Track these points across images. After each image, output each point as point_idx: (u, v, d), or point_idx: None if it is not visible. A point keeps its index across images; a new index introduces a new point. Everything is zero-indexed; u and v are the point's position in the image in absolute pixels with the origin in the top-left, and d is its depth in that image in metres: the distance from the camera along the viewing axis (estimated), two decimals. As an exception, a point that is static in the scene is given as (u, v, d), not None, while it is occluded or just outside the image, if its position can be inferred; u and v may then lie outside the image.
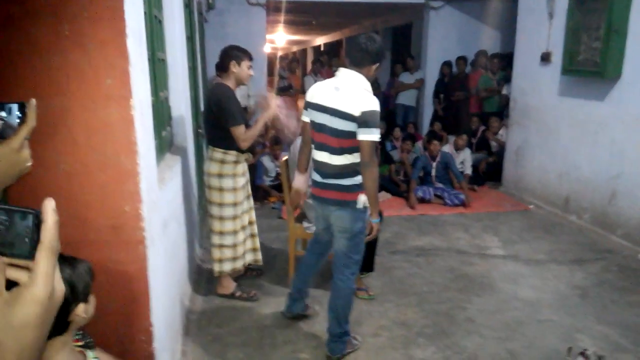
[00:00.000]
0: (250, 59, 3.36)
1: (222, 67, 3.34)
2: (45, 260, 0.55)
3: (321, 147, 2.72)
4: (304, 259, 3.20)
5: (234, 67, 3.28)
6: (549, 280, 3.94)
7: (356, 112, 2.52)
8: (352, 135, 2.58)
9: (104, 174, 1.87)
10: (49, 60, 1.76)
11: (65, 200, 1.85)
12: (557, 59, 5.50)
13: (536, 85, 5.93)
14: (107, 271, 1.95)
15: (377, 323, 3.29)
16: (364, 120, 2.52)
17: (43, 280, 0.54)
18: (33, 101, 0.87)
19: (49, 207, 0.57)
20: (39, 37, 1.74)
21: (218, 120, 3.23)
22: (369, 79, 2.66)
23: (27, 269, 0.55)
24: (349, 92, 2.59)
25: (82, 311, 1.31)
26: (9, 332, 0.53)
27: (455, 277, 3.99)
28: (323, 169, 2.74)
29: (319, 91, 2.73)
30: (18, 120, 0.88)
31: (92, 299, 1.37)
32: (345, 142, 2.62)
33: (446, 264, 4.24)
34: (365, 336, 3.13)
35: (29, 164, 0.93)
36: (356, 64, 2.65)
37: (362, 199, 2.68)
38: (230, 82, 3.30)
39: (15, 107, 0.87)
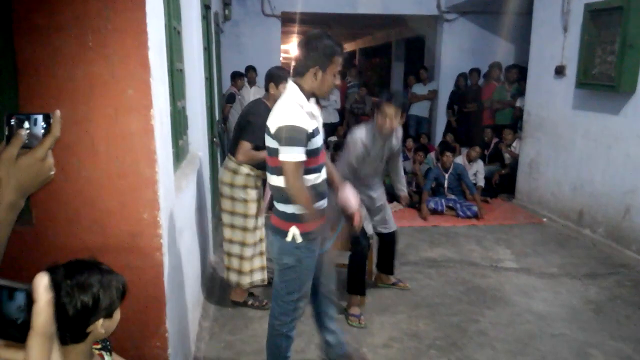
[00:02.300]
0: (287, 79, 3.32)
1: (265, 86, 3.41)
2: (37, 348, 0.48)
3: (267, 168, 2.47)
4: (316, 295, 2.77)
5: (272, 89, 3.33)
6: (562, 294, 3.91)
7: (272, 128, 2.24)
8: (275, 153, 2.27)
9: (123, 181, 1.91)
10: (73, 70, 1.82)
11: (86, 206, 1.90)
12: (571, 72, 5.49)
13: (550, 98, 5.92)
14: (125, 277, 1.98)
15: (388, 334, 3.29)
16: (281, 137, 2.20)
17: None
18: (58, 112, 0.90)
19: (41, 286, 0.49)
20: (63, 48, 1.80)
21: (240, 132, 3.33)
22: (316, 89, 2.31)
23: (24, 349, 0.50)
24: (276, 106, 2.32)
25: (101, 326, 1.30)
26: None
27: (468, 289, 3.97)
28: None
29: None
30: (43, 131, 0.91)
31: (116, 316, 1.35)
32: (272, 161, 2.33)
33: (458, 276, 4.23)
34: (376, 347, 3.13)
35: (52, 172, 0.95)
36: (297, 72, 2.31)
37: (292, 232, 2.31)
38: (269, 102, 3.31)
39: (40, 117, 0.90)
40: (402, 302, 3.71)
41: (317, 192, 2.37)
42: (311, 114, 2.30)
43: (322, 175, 2.41)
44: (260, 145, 3.26)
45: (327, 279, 2.68)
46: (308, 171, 2.30)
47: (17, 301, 0.49)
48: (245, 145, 3.27)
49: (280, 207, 2.36)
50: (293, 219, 2.33)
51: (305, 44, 2.27)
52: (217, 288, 3.87)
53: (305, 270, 2.42)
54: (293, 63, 2.32)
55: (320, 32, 2.31)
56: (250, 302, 3.58)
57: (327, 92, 2.40)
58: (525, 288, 4.00)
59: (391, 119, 3.23)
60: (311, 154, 2.27)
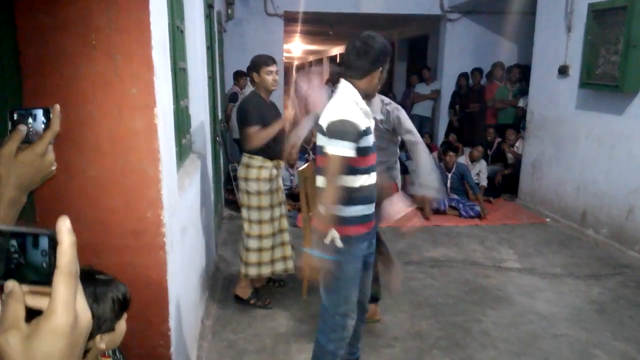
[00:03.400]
0: (269, 64, 3.39)
1: (250, 79, 3.50)
2: (63, 286, 0.49)
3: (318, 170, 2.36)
4: None
5: (255, 78, 3.44)
6: (565, 294, 3.91)
7: (324, 124, 2.18)
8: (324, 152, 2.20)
9: (127, 180, 1.91)
10: (77, 69, 1.82)
11: (90, 205, 1.91)
12: (574, 72, 5.48)
13: (553, 98, 5.90)
14: (128, 275, 1.98)
15: (390, 334, 3.29)
16: (330, 132, 2.15)
17: (62, 308, 0.48)
18: (57, 107, 0.90)
19: (64, 227, 0.50)
20: (67, 47, 1.80)
21: (241, 124, 3.40)
22: (372, 89, 2.31)
23: (49, 295, 0.50)
24: (330, 103, 2.25)
25: (100, 341, 1.20)
26: None
27: (470, 289, 3.97)
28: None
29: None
30: (43, 126, 0.90)
31: (119, 328, 1.24)
32: (320, 161, 2.26)
33: (461, 275, 4.22)
34: (379, 347, 3.13)
35: (54, 168, 0.95)
36: (353, 75, 2.26)
37: (332, 235, 2.20)
38: (260, 91, 3.45)
39: (40, 112, 0.90)
40: (404, 302, 3.71)
41: (364, 195, 2.25)
42: (366, 112, 2.26)
43: (372, 178, 2.29)
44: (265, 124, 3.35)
45: (367, 289, 2.55)
46: (356, 171, 2.21)
47: (41, 246, 0.51)
48: (251, 130, 3.31)
49: (322, 209, 2.22)
50: (334, 221, 2.21)
51: (362, 47, 2.20)
52: (219, 286, 3.88)
53: (346, 279, 2.26)
54: (345, 64, 2.26)
55: (373, 33, 2.26)
56: (252, 301, 3.59)
57: (377, 90, 2.40)
58: (528, 288, 4.00)
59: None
60: (361, 152, 2.19)
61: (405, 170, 6.87)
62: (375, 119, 2.81)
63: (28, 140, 0.89)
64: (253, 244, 3.49)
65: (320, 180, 2.25)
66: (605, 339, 3.25)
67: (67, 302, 0.49)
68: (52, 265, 0.50)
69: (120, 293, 1.23)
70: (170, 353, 2.12)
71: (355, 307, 2.37)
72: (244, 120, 3.36)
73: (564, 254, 4.77)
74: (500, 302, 3.74)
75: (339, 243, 2.19)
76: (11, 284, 0.50)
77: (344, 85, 2.27)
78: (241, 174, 3.49)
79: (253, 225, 3.49)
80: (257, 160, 3.42)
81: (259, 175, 3.42)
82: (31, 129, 0.90)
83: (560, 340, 3.24)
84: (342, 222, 2.20)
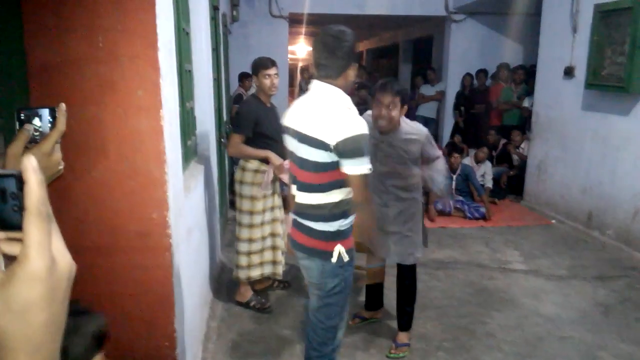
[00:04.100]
0: (267, 67, 3.32)
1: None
2: (34, 228, 0.46)
3: (293, 180, 2.22)
4: (306, 305, 2.61)
5: (254, 81, 3.43)
6: (571, 296, 3.89)
7: (332, 140, 1.95)
8: (327, 167, 2.02)
9: (133, 181, 1.92)
10: (83, 71, 1.83)
11: (95, 206, 1.91)
12: (580, 73, 5.46)
13: (559, 99, 5.88)
14: (134, 276, 2.00)
15: (391, 335, 3.28)
16: (345, 150, 1.95)
17: (36, 252, 0.46)
18: (63, 105, 0.90)
19: (29, 166, 0.47)
20: (73, 49, 1.81)
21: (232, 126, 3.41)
22: (346, 88, 2.12)
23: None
24: (323, 113, 2.02)
25: None
26: (11, 318, 0.45)
27: (476, 291, 3.96)
28: (295, 206, 2.22)
29: (293, 110, 2.20)
30: (49, 125, 0.91)
31: None
32: (315, 177, 2.06)
33: (466, 277, 4.21)
34: (384, 349, 3.12)
35: (61, 167, 0.95)
36: (328, 75, 2.06)
37: (338, 251, 2.10)
38: (260, 95, 3.42)
39: (46, 112, 0.90)
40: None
41: (350, 206, 2.13)
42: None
43: None
44: (263, 138, 3.31)
45: None
46: (345, 183, 2.07)
47: (10, 186, 0.48)
48: (235, 138, 3.30)
49: (319, 226, 2.10)
50: (338, 236, 2.10)
51: (334, 42, 2.01)
52: (224, 288, 3.88)
53: (348, 290, 2.22)
54: (317, 63, 2.07)
55: (341, 26, 2.06)
56: (252, 304, 3.58)
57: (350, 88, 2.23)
58: (534, 290, 3.98)
59: (385, 107, 2.69)
60: None
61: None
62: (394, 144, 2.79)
63: (35, 140, 0.90)
64: (243, 247, 3.48)
65: (317, 198, 2.09)
66: (612, 342, 3.23)
67: (39, 245, 0.46)
68: (22, 208, 0.47)
69: (98, 325, 1.06)
70: (175, 354, 2.12)
71: (346, 319, 2.33)
72: (234, 124, 3.35)
73: (570, 256, 4.75)
74: (505, 304, 3.73)
75: (346, 257, 2.13)
76: None
77: (324, 88, 2.08)
78: (237, 176, 3.46)
79: (243, 229, 3.46)
80: (253, 164, 3.38)
81: (254, 179, 3.39)
82: (38, 129, 0.90)
83: (566, 342, 3.22)
84: (344, 236, 2.13)
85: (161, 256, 2.00)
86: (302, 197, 2.14)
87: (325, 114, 2.02)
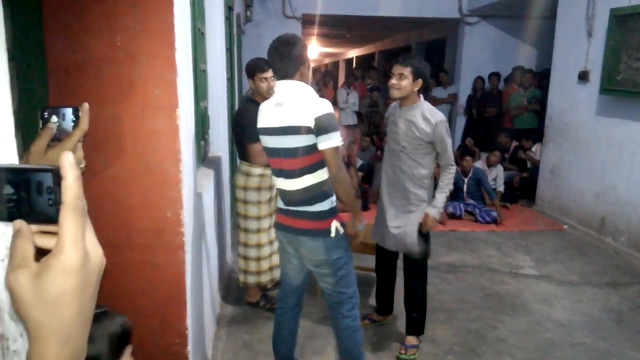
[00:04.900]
0: (264, 70, 3.24)
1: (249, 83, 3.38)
2: (70, 222, 0.48)
3: (279, 173, 2.41)
4: (277, 320, 2.73)
5: (250, 84, 3.34)
6: (582, 302, 3.86)
7: (309, 122, 2.22)
8: (310, 150, 2.27)
9: (148, 180, 1.94)
10: (102, 70, 1.85)
11: (111, 204, 1.93)
12: (595, 77, 5.41)
13: (573, 103, 5.84)
14: (147, 274, 2.02)
15: (399, 337, 3.27)
16: (320, 127, 2.22)
17: (71, 245, 0.47)
18: (86, 105, 0.91)
19: (67, 162, 0.48)
20: (93, 48, 1.83)
21: (242, 135, 3.29)
22: (305, 82, 2.37)
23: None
24: (294, 103, 2.28)
25: None
26: (44, 308, 0.47)
27: (486, 295, 3.94)
28: (286, 197, 2.43)
29: (262, 114, 2.43)
30: (72, 124, 0.92)
31: None
32: (304, 161, 2.30)
33: (477, 281, 4.19)
34: (393, 351, 3.12)
35: (83, 165, 0.97)
36: (285, 75, 2.32)
37: (335, 226, 2.36)
38: (257, 97, 3.32)
39: (69, 111, 0.92)
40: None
41: (329, 186, 2.38)
42: None
43: None
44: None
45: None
46: (318, 167, 2.33)
47: (47, 181, 0.50)
48: (254, 147, 3.18)
49: (315, 208, 2.35)
50: (331, 213, 2.37)
51: (282, 50, 2.29)
52: (234, 287, 3.89)
53: (350, 257, 2.49)
54: (277, 69, 2.34)
55: (287, 34, 2.38)
56: (262, 303, 3.59)
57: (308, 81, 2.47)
58: (545, 295, 3.96)
59: (396, 77, 2.85)
60: None
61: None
62: (411, 121, 2.90)
63: (57, 138, 0.91)
64: (252, 253, 3.45)
65: (308, 179, 2.33)
66: (623, 349, 3.20)
67: (75, 239, 0.48)
68: (58, 202, 0.49)
69: (118, 326, 1.04)
70: (186, 352, 2.13)
71: None
72: (245, 134, 3.21)
73: (582, 262, 4.71)
74: (516, 309, 3.71)
75: (342, 229, 2.39)
76: (19, 224, 0.50)
77: (288, 85, 2.33)
78: (240, 182, 3.36)
79: (252, 235, 3.42)
80: (258, 169, 3.32)
81: (260, 184, 3.34)
82: (61, 127, 0.92)
83: (577, 349, 3.20)
84: (335, 212, 2.39)
85: (174, 254, 2.02)
86: (293, 184, 2.36)
87: (298, 104, 2.27)
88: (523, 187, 6.79)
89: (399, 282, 3.31)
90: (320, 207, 2.35)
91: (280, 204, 2.49)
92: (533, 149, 6.96)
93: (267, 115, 2.37)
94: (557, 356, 3.11)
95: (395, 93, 2.89)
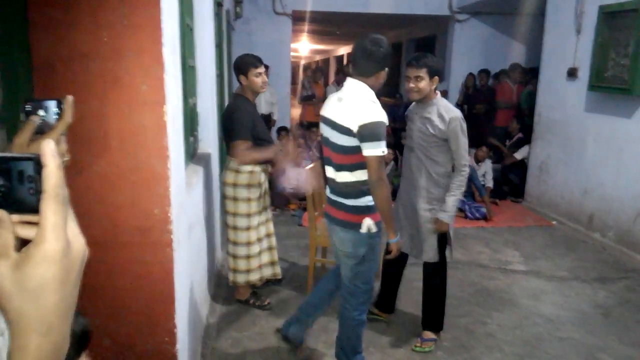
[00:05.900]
0: (257, 65, 3.25)
1: (237, 79, 3.33)
2: (51, 211, 0.47)
3: (327, 162, 2.56)
4: (320, 286, 2.93)
5: (243, 80, 3.28)
6: (571, 297, 3.89)
7: (354, 126, 2.32)
8: (352, 150, 2.38)
9: (135, 176, 1.92)
10: (88, 65, 1.82)
11: (97, 201, 1.91)
12: (583, 74, 5.45)
13: (562, 100, 5.88)
14: (134, 272, 2.00)
15: (395, 335, 3.29)
16: (364, 134, 2.31)
17: (52, 234, 0.47)
18: (70, 97, 0.90)
19: (48, 150, 0.48)
20: (78, 43, 1.80)
21: (230, 132, 3.25)
22: (377, 87, 2.46)
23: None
24: (350, 104, 2.38)
25: None
26: (25, 298, 0.46)
27: (476, 291, 3.96)
28: (331, 184, 2.59)
29: (327, 103, 2.56)
30: (55, 117, 0.91)
31: None
32: (344, 159, 2.43)
33: (466, 277, 4.21)
34: (384, 348, 3.13)
35: (66, 159, 0.95)
36: (362, 73, 2.42)
37: (367, 223, 2.46)
38: (247, 94, 3.30)
39: (53, 103, 0.90)
40: (409, 303, 3.70)
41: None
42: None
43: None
44: (258, 140, 3.24)
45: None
46: (364, 165, 2.41)
47: (28, 170, 0.48)
48: (242, 145, 3.16)
49: (350, 202, 2.48)
50: (367, 210, 2.47)
51: (372, 48, 2.37)
52: (224, 285, 3.88)
53: (377, 257, 2.60)
54: (354, 63, 2.43)
55: (380, 35, 2.43)
56: (252, 301, 3.57)
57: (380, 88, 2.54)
58: (534, 291, 3.98)
59: (413, 80, 2.86)
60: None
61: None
62: (426, 117, 2.94)
63: (41, 131, 0.89)
64: (241, 251, 3.41)
65: (345, 176, 2.46)
66: (611, 343, 3.23)
67: (56, 228, 0.47)
68: (39, 191, 0.47)
69: (81, 326, 1.05)
70: (175, 350, 2.12)
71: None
72: (233, 131, 3.19)
73: (570, 257, 4.75)
74: (505, 305, 3.73)
75: (374, 228, 2.48)
76: (0, 213, 0.49)
77: (354, 84, 2.43)
78: (229, 179, 3.32)
79: (241, 233, 3.38)
80: (247, 166, 3.28)
81: (250, 180, 3.30)
82: (44, 120, 0.90)
83: (565, 343, 3.22)
84: (372, 211, 2.47)
85: (162, 252, 2.00)
86: (338, 176, 2.50)
87: (350, 105, 2.37)
88: (509, 182, 6.82)
89: (403, 282, 3.35)
90: (355, 203, 2.47)
91: (328, 192, 2.65)
92: (520, 151, 6.91)
93: (329, 106, 2.51)
94: (546, 351, 3.13)
95: (414, 96, 2.92)
